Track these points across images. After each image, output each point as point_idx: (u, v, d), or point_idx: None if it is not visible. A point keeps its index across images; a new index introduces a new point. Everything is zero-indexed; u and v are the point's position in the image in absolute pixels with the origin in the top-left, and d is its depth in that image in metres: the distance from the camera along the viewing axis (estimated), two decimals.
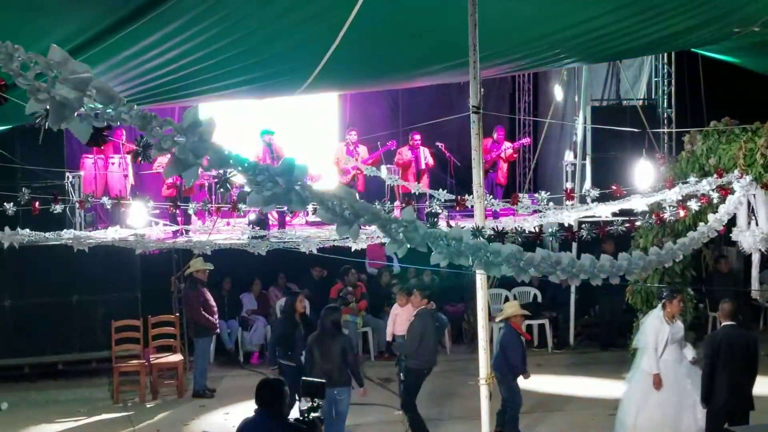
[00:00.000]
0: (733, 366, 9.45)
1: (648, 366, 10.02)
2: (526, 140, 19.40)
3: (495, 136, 17.42)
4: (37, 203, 10.47)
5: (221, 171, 3.14)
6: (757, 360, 9.65)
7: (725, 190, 9.79)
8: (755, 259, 11.16)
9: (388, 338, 13.32)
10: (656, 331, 10.07)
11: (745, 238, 10.50)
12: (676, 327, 10.17)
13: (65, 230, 10.45)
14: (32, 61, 2.68)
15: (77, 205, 13.06)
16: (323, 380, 9.19)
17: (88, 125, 2.75)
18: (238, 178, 3.25)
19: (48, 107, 2.71)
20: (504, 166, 17.77)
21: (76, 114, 2.72)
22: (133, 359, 13.34)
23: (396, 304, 13.04)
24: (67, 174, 14.64)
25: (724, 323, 9.75)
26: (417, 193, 14.60)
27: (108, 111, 2.72)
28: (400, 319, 12.52)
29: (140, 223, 11.37)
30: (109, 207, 11.59)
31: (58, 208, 10.61)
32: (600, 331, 16.09)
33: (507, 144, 17.88)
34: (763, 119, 10.15)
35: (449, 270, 5.09)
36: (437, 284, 15.27)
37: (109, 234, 10.41)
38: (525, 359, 10.82)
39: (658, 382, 9.98)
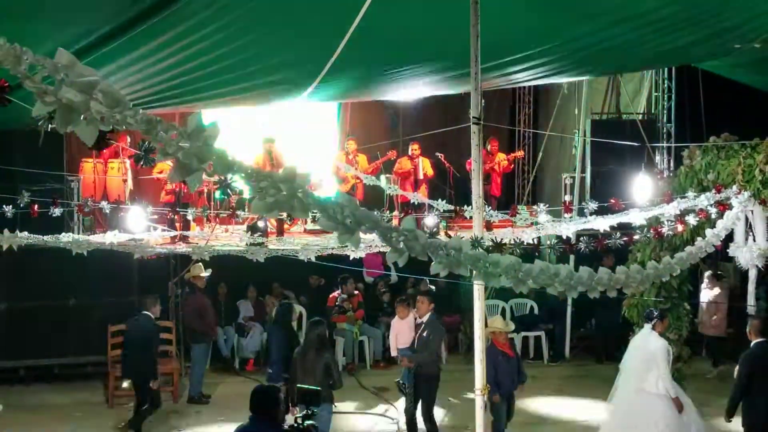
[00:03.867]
0: (755, 382, 9.51)
1: (666, 389, 9.93)
2: (520, 153, 19.42)
3: (489, 147, 17.43)
4: (36, 206, 10.49)
5: (223, 177, 3.16)
6: None
7: (723, 206, 9.81)
8: (752, 274, 11.17)
9: (393, 353, 12.94)
10: (667, 350, 10.07)
11: (743, 254, 10.52)
12: None
13: (64, 234, 10.46)
14: (40, 63, 2.69)
15: (76, 208, 13.08)
16: (319, 388, 9.21)
17: (95, 128, 2.77)
18: (239, 184, 3.27)
19: (54, 110, 2.73)
20: (498, 178, 17.79)
21: (82, 117, 2.74)
22: None
23: (396, 317, 12.73)
24: (67, 178, 14.65)
25: (756, 341, 9.76)
26: (416, 203, 14.62)
27: (114, 115, 2.73)
28: (402, 332, 12.27)
29: (138, 228, 11.37)
30: (107, 211, 11.60)
31: (57, 211, 10.63)
32: (596, 344, 16.09)
33: (501, 155, 17.90)
34: (763, 135, 10.18)
35: (448, 280, 5.11)
36: (434, 294, 15.26)
37: (108, 238, 10.38)
38: (505, 378, 10.44)
39: (680, 406, 9.95)
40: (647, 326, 10.31)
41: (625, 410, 10.24)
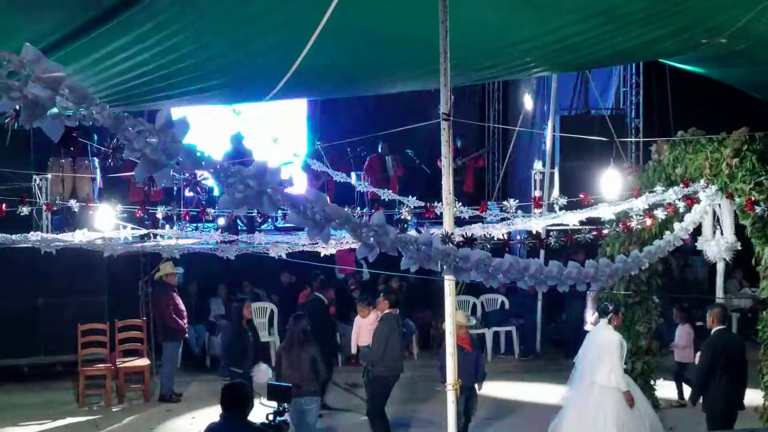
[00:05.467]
0: (731, 370, 9.65)
1: (617, 382, 10.00)
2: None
3: (459, 143, 17.47)
4: (3, 205, 10.38)
5: (192, 173, 3.15)
6: (747, 362, 9.83)
7: (691, 200, 9.90)
8: (720, 267, 11.28)
9: (353, 350, 12.98)
10: (620, 345, 10.15)
11: (710, 247, 10.61)
12: None
13: (32, 232, 10.37)
14: (5, 59, 2.67)
15: (44, 207, 12.97)
16: (289, 384, 9.20)
17: (61, 125, 2.75)
18: (209, 180, 3.26)
19: (20, 106, 2.70)
20: (469, 173, 17.84)
21: (48, 113, 2.72)
22: (99, 363, 13.27)
23: (357, 316, 12.75)
24: (34, 176, 14.52)
25: (716, 328, 9.89)
26: (386, 200, 14.62)
27: (80, 111, 2.72)
28: (363, 330, 12.29)
29: (108, 227, 11.29)
30: (76, 210, 11.51)
31: (24, 210, 10.53)
32: (567, 339, 16.16)
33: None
34: (729, 130, 10.26)
35: (419, 276, 5.12)
36: (405, 291, 15.27)
37: (77, 237, 10.30)
38: (461, 373, 10.38)
39: (630, 399, 10.02)
40: (603, 320, 10.40)
41: (578, 403, 10.31)
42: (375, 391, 10.89)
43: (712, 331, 9.95)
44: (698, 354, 10.07)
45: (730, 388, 9.61)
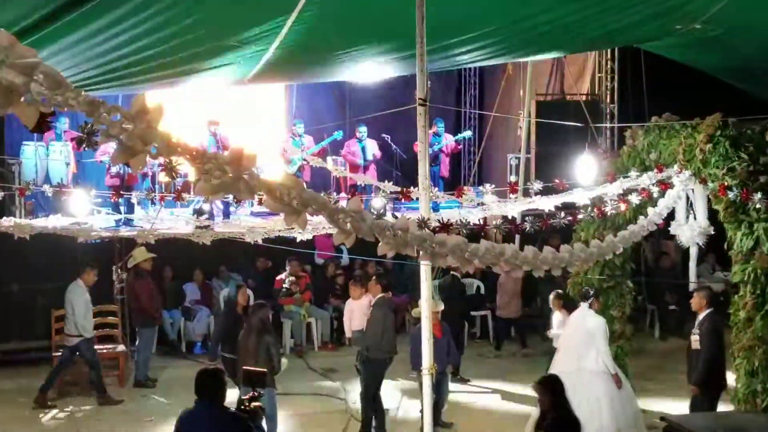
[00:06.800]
0: (723, 350, 9.83)
1: (607, 365, 10.06)
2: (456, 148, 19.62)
3: (434, 128, 17.47)
4: None
5: (168, 159, 3.13)
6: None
7: (665, 185, 9.95)
8: (693, 252, 11.36)
9: (348, 335, 12.87)
10: (604, 328, 10.21)
11: (684, 232, 10.67)
12: None
13: (5, 218, 10.30)
14: None
15: (17, 192, 12.87)
16: (265, 369, 9.18)
17: (35, 110, 2.73)
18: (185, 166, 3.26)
19: None
20: (446, 159, 17.83)
21: (22, 99, 2.70)
22: None
23: (350, 299, 12.67)
24: (8, 161, 14.42)
25: (707, 311, 9.99)
26: (363, 185, 14.62)
27: (55, 97, 2.70)
28: (356, 314, 12.21)
29: (82, 212, 11.22)
30: (50, 195, 11.44)
31: None
32: (542, 323, 16.17)
33: (449, 137, 17.94)
34: (703, 115, 10.32)
35: (395, 261, 5.14)
36: (381, 276, 15.27)
37: (51, 222, 10.24)
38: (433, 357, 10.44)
39: (619, 382, 10.08)
40: (584, 305, 10.44)
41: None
42: (369, 374, 10.84)
43: (703, 314, 10.03)
44: (694, 339, 10.05)
45: (723, 368, 9.82)
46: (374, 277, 11.61)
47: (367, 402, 10.77)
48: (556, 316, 11.98)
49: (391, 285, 15.08)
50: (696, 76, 15.64)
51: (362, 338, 11.16)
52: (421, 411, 8.48)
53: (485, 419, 11.94)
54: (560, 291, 11.98)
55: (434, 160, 17.04)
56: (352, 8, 9.46)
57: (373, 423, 10.73)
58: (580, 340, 10.30)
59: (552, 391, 7.38)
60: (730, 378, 9.87)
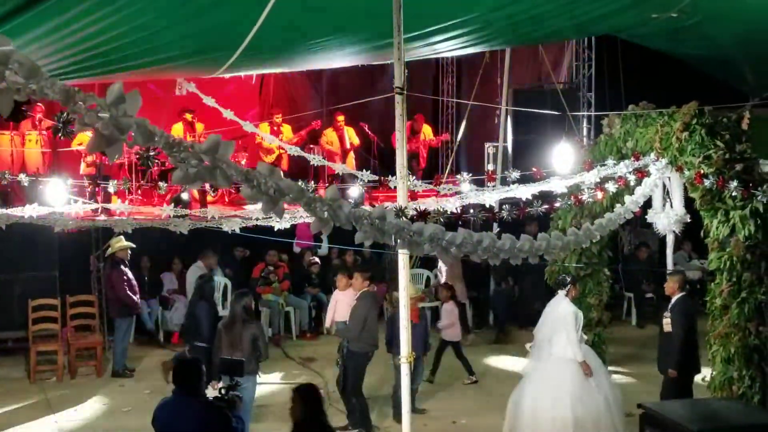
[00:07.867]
0: (695, 333, 10.00)
1: (574, 353, 10.04)
2: (445, 136, 19.61)
3: (415, 126, 17.35)
4: None
5: (145, 148, 3.13)
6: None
7: (642, 173, 10.01)
8: (669, 240, 11.44)
9: (327, 324, 12.67)
10: (576, 316, 10.24)
11: (660, 220, 10.75)
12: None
13: None
14: None
15: None
16: (242, 359, 9.17)
17: (10, 99, 2.71)
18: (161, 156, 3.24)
19: None
20: (423, 150, 17.84)
21: None
22: (51, 339, 13.17)
23: (336, 290, 12.47)
24: None
25: (679, 295, 10.13)
26: (341, 174, 14.60)
27: (30, 85, 2.68)
28: (341, 305, 12.02)
29: (58, 201, 11.14)
30: (26, 184, 11.35)
31: None
32: (519, 311, 16.24)
33: (427, 129, 17.92)
34: (679, 104, 10.36)
35: (373, 249, 5.15)
36: (359, 264, 15.25)
37: (27, 212, 10.16)
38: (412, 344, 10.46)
39: (588, 370, 10.11)
40: (561, 293, 10.48)
41: (537, 375, 10.40)
42: (352, 367, 10.79)
43: (675, 297, 10.14)
44: (666, 322, 10.14)
45: (697, 352, 9.99)
46: (357, 273, 11.46)
47: (352, 395, 10.77)
48: (446, 308, 12.84)
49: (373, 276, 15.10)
50: (673, 65, 15.73)
51: (345, 330, 11.14)
52: (394, 396, 8.49)
53: None
54: (448, 282, 12.14)
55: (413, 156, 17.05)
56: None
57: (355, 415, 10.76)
58: (551, 326, 10.34)
59: (304, 400, 6.79)
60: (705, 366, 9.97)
